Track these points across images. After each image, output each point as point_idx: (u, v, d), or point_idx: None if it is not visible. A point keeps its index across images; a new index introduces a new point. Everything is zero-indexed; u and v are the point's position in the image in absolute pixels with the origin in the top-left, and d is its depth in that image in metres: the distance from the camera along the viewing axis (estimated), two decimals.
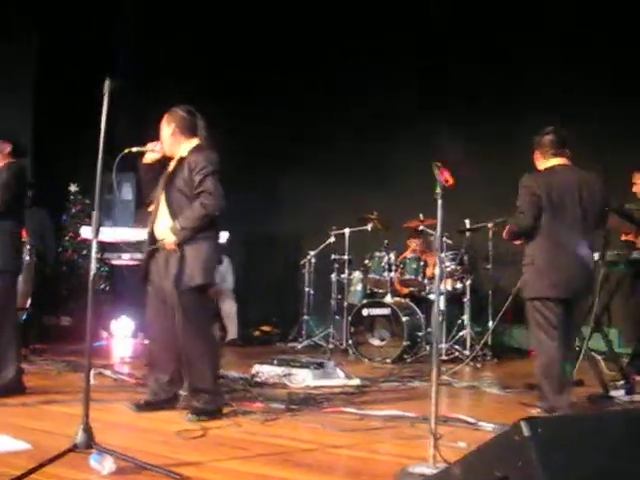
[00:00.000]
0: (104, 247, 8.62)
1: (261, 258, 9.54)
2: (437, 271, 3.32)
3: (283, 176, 9.15)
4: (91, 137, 9.29)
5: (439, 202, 3.02)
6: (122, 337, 8.61)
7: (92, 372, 5.37)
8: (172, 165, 4.22)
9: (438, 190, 3.01)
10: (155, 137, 4.26)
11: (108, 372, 5.61)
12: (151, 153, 4.20)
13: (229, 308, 8.50)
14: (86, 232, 7.35)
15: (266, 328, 9.21)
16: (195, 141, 4.21)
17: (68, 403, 4.38)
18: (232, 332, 8.48)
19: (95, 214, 3.03)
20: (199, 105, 4.35)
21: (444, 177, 2.99)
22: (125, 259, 6.73)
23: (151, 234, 4.21)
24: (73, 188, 9.51)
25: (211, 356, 4.13)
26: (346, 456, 3.30)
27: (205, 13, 9.43)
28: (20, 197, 4.75)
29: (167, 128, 4.21)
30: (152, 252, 4.17)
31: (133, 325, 8.66)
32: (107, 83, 2.98)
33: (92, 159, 9.48)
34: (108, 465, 2.79)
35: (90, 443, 2.79)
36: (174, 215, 4.05)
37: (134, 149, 4.03)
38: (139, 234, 6.60)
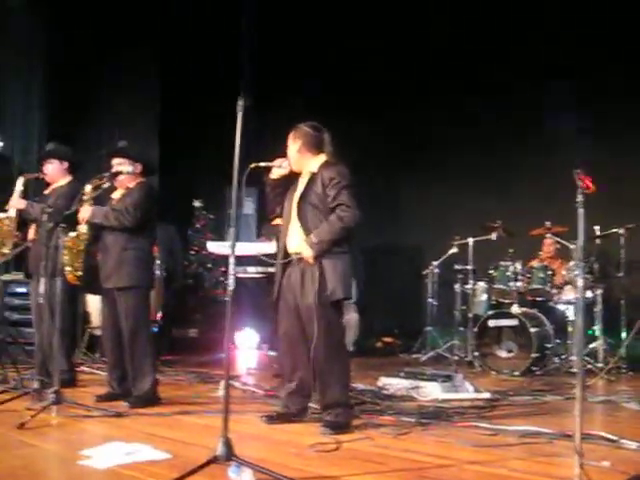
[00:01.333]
0: (227, 261, 8.89)
1: (383, 269, 9.50)
2: (580, 282, 3.17)
3: (405, 186, 9.11)
4: (211, 155, 9.60)
5: (580, 211, 2.88)
6: (246, 349, 8.76)
7: (221, 383, 5.51)
8: (302, 181, 4.23)
9: (579, 198, 2.87)
10: (278, 153, 4.30)
11: (237, 384, 5.69)
12: (278, 169, 4.24)
13: (351, 319, 8.48)
14: (212, 247, 7.55)
15: (388, 339, 9.16)
16: (323, 156, 4.22)
17: (201, 414, 4.49)
18: (350, 343, 8.46)
19: (232, 231, 3.08)
20: (320, 119, 4.38)
21: (585, 184, 2.85)
22: (250, 272, 6.83)
23: (283, 249, 4.23)
24: (197, 204, 9.82)
25: (344, 370, 4.12)
26: (484, 473, 3.19)
27: (327, 28, 9.50)
28: (151, 215, 4.93)
29: (293, 145, 4.24)
30: (284, 267, 4.19)
31: (257, 337, 8.79)
32: (240, 102, 3.02)
33: (213, 176, 9.79)
34: (247, 477, 2.81)
35: (230, 455, 2.82)
36: (307, 230, 4.06)
37: (262, 164, 4.07)
38: (263, 248, 6.73)
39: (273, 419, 4.20)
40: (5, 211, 5.44)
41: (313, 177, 4.15)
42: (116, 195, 4.99)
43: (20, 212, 5.44)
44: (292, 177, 4.31)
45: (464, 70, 8.84)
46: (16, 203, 5.43)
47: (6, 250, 5.41)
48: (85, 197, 4.73)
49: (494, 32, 8.57)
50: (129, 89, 9.43)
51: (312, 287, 3.97)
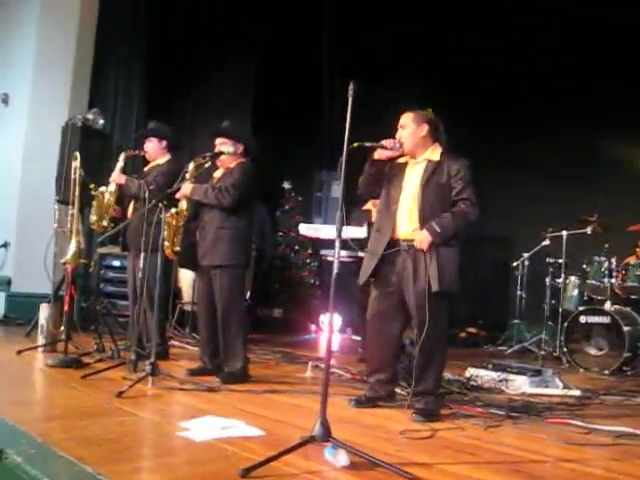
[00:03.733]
0: (314, 243, 8.95)
1: (468, 259, 9.34)
2: None
3: (494, 176, 8.92)
4: (300, 137, 9.64)
5: None
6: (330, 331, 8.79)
7: (309, 364, 5.58)
8: (416, 167, 4.18)
9: None
10: (373, 137, 4.18)
11: (323, 366, 5.72)
12: (384, 150, 4.14)
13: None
14: (304, 229, 7.61)
15: (472, 330, 9.05)
16: (438, 146, 4.20)
17: (290, 393, 4.56)
18: None
19: (338, 214, 3.09)
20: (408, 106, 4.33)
21: None
22: (342, 256, 6.84)
23: (389, 234, 4.15)
24: (286, 186, 9.91)
25: (443, 361, 4.14)
26: (580, 472, 3.11)
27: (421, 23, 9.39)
28: (250, 196, 5.00)
29: (416, 128, 4.16)
30: (388, 253, 4.15)
31: (341, 320, 8.83)
32: (351, 85, 3.03)
33: (302, 158, 9.84)
34: (342, 459, 2.84)
35: (327, 436, 2.85)
36: (425, 217, 4.02)
37: (367, 144, 3.98)
38: (353, 232, 6.74)
39: (362, 402, 4.23)
40: (106, 185, 5.62)
41: (437, 166, 4.11)
42: (217, 174, 5.09)
43: (119, 187, 5.61)
44: (394, 160, 4.26)
45: (562, 62, 8.58)
46: (117, 178, 5.60)
47: (104, 223, 5.59)
48: (187, 175, 4.84)
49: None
50: (225, 72, 9.57)
51: (432, 274, 3.93)
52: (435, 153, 4.18)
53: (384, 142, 4.12)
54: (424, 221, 4.02)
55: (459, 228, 4.03)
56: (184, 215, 4.86)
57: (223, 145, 5.01)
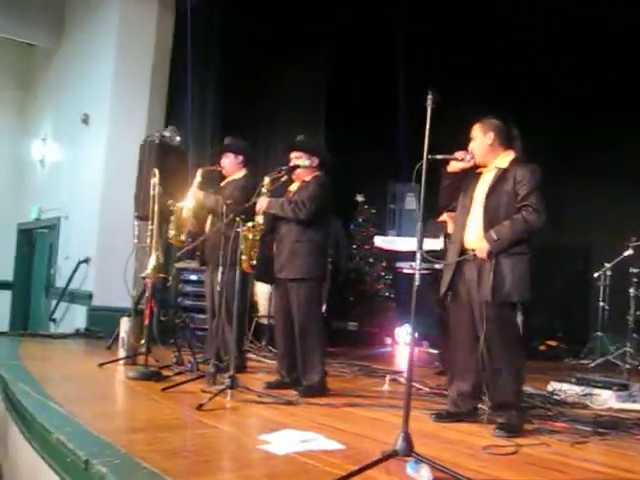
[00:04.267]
0: (388, 256, 8.90)
1: (547, 269, 9.13)
2: None
3: (573, 183, 8.73)
4: (373, 150, 9.60)
5: None
6: (406, 344, 8.72)
7: (387, 378, 5.53)
8: (487, 175, 4.14)
9: None
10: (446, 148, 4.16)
11: (402, 379, 5.67)
12: (457, 162, 4.13)
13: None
14: (379, 241, 7.58)
15: (552, 342, 8.82)
16: (511, 152, 4.13)
17: (369, 407, 4.53)
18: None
19: (419, 225, 3.05)
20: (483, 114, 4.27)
21: None
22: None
23: (459, 244, 4.14)
24: (359, 198, 9.89)
25: (519, 371, 4.00)
26: None
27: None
28: (326, 209, 5.00)
29: (484, 137, 4.14)
30: (459, 262, 4.12)
31: (417, 333, 8.73)
32: (429, 96, 2.99)
33: (375, 170, 9.79)
34: (426, 475, 2.78)
35: (409, 450, 2.80)
36: (489, 226, 3.98)
37: (439, 156, 3.95)
38: (429, 244, 6.66)
39: (443, 417, 4.15)
40: (184, 201, 5.71)
41: (504, 173, 4.05)
42: (293, 188, 5.12)
43: (197, 203, 5.69)
44: (468, 171, 4.22)
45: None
46: (194, 193, 5.68)
47: (183, 237, 5.68)
48: (263, 189, 4.87)
49: None
50: (297, 84, 9.63)
51: (488, 284, 3.88)
52: (505, 160, 4.12)
53: (456, 154, 4.10)
54: (489, 228, 3.96)
55: (518, 235, 3.92)
56: (260, 229, 4.89)
57: (298, 159, 5.03)
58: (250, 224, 4.84)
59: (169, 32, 8.63)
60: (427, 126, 2.99)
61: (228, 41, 8.93)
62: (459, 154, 4.10)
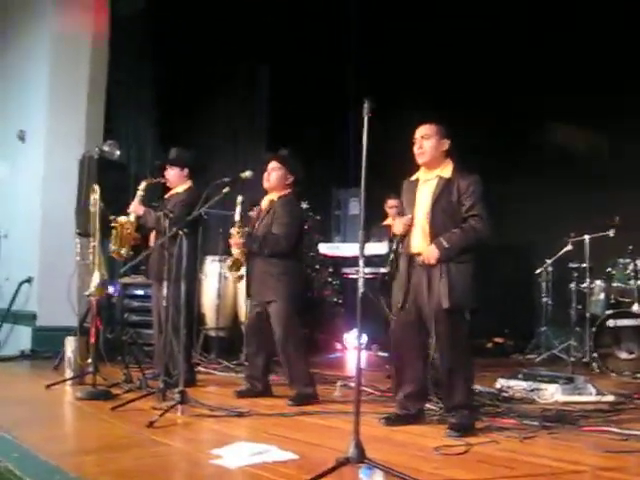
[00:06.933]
0: (335, 262, 8.93)
1: (490, 267, 9.27)
2: None
3: (513, 183, 8.88)
4: (317, 157, 9.60)
5: None
6: (357, 349, 8.73)
7: (338, 384, 5.54)
8: (429, 183, 4.20)
9: None
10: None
11: (352, 384, 5.69)
12: (400, 222, 4.24)
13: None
14: (323, 248, 7.61)
15: (499, 340, 8.98)
16: (451, 162, 4.21)
17: (321, 414, 4.54)
18: None
19: (360, 233, 3.08)
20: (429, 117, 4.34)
21: None
22: (365, 273, 6.83)
23: (406, 253, 4.19)
24: (304, 205, 9.87)
25: (469, 371, 4.10)
26: None
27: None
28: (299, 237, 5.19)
29: (440, 140, 4.18)
30: (407, 269, 4.16)
31: (366, 337, 8.77)
32: (366, 105, 3.03)
33: (319, 177, 9.78)
34: None
35: (362, 457, 2.82)
36: (436, 235, 4.04)
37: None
38: (374, 248, 6.74)
39: (392, 421, 4.19)
40: (126, 214, 5.66)
41: (447, 183, 4.11)
42: (264, 204, 5.27)
43: (138, 217, 5.65)
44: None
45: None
46: (136, 209, 5.64)
47: (123, 252, 5.63)
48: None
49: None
50: (238, 91, 9.62)
51: (442, 291, 3.95)
52: (447, 170, 4.19)
53: (395, 226, 4.25)
54: (435, 238, 4.03)
55: (468, 244, 4.02)
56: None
57: (274, 170, 5.18)
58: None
59: (105, 45, 8.50)
60: (364, 135, 3.02)
61: (166, 53, 8.87)
62: (397, 225, 4.22)
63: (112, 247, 5.61)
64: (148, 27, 8.85)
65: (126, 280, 7.63)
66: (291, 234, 5.02)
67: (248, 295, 5.37)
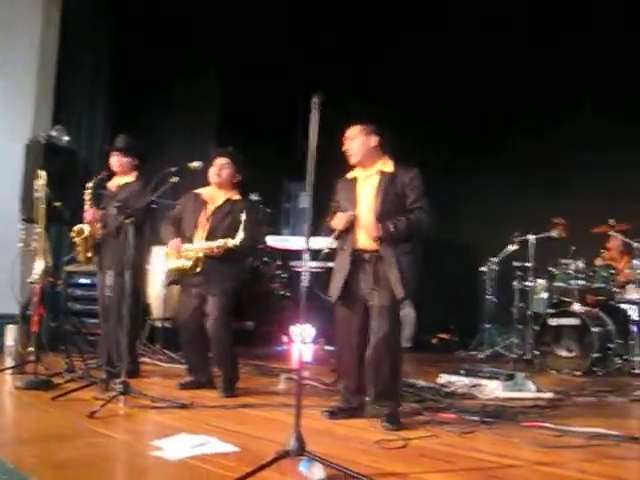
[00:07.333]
0: (283, 254, 8.94)
1: (437, 264, 9.40)
2: None
3: (461, 181, 9.00)
4: (267, 149, 9.58)
5: None
6: (302, 342, 8.74)
7: (282, 377, 5.56)
8: (370, 179, 4.25)
9: None
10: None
11: (296, 377, 5.70)
12: (342, 218, 4.25)
13: (408, 314, 8.44)
14: (271, 240, 7.59)
15: (444, 336, 9.10)
16: (388, 158, 4.28)
17: (264, 407, 4.53)
18: (407, 339, 8.43)
19: (306, 227, 3.10)
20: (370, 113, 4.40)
21: None
22: (312, 267, 6.84)
23: (350, 248, 4.23)
24: (254, 197, 9.83)
25: (400, 363, 4.20)
26: (554, 475, 3.15)
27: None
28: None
29: (366, 138, 4.24)
30: (351, 263, 4.20)
31: (313, 331, 8.79)
32: (315, 99, 3.04)
33: (269, 170, 9.78)
34: (318, 473, 2.83)
35: (302, 450, 2.84)
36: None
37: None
38: (321, 242, 6.74)
39: (335, 414, 4.23)
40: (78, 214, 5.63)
41: (391, 177, 4.18)
42: (219, 202, 5.22)
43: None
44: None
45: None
46: (92, 218, 5.59)
47: (90, 254, 5.64)
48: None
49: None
50: (191, 82, 9.53)
51: (392, 282, 4.01)
52: (388, 165, 4.26)
53: (334, 225, 4.29)
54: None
55: (411, 232, 4.10)
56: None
57: (224, 167, 5.18)
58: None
59: (55, 26, 8.32)
60: (312, 129, 3.04)
61: (119, 34, 8.73)
62: (336, 224, 4.26)
63: (80, 256, 5.65)
64: (102, 12, 8.69)
65: (70, 268, 7.50)
66: (256, 239, 5.03)
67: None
